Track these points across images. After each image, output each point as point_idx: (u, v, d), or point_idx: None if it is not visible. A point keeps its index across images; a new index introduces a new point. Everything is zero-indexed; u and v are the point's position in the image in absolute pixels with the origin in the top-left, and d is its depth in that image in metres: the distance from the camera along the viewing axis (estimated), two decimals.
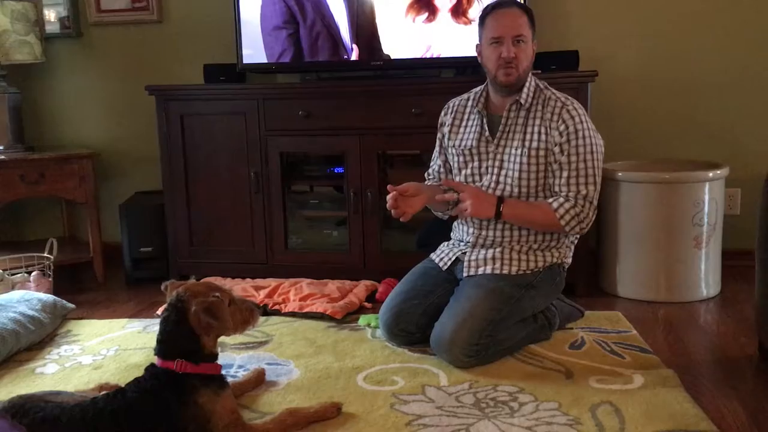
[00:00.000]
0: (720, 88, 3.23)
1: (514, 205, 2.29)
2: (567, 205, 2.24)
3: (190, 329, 1.67)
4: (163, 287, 1.80)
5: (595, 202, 2.28)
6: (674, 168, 2.90)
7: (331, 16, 3.07)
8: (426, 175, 2.60)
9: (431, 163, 2.59)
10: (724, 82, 3.22)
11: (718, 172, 2.81)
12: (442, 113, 2.53)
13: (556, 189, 2.28)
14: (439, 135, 2.54)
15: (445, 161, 2.53)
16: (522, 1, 2.63)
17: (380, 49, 3.09)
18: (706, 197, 2.77)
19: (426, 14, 3.02)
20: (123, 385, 1.71)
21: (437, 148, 2.56)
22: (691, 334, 2.48)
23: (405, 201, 2.30)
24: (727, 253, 2.95)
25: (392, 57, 3.09)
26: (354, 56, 3.12)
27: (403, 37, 3.06)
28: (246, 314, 1.80)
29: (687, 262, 2.79)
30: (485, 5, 2.41)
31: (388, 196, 2.28)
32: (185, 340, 1.67)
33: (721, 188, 2.84)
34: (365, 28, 3.09)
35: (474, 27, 2.42)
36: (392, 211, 2.31)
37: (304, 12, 3.08)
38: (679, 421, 1.76)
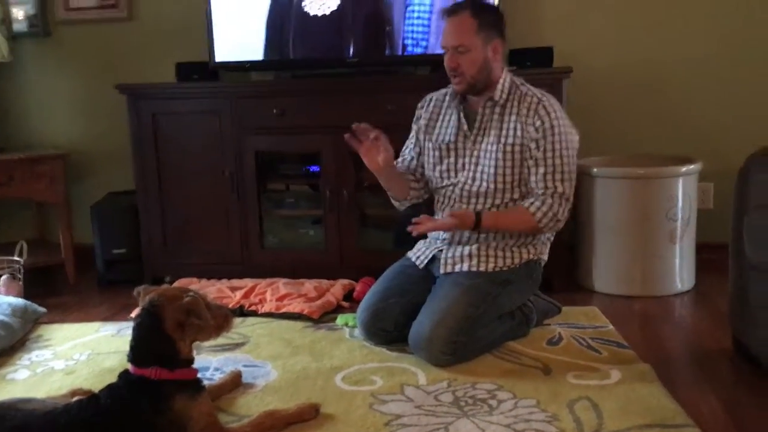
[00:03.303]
0: (693, 83, 3.25)
1: (491, 216, 2.28)
2: (544, 208, 2.23)
3: (165, 335, 1.64)
4: (135, 293, 1.76)
5: (571, 198, 2.28)
6: (648, 163, 2.93)
7: (314, 15, 3.05)
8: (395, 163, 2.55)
9: (403, 151, 2.53)
10: (697, 78, 3.25)
11: (691, 166, 2.83)
12: (420, 105, 2.51)
13: (532, 185, 2.28)
14: (414, 127, 2.52)
15: (420, 154, 2.50)
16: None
17: (355, 47, 3.07)
18: (680, 192, 2.79)
19: None
20: (96, 392, 1.67)
21: (413, 139, 2.52)
22: (667, 328, 2.50)
23: (374, 144, 2.29)
24: (700, 247, 2.98)
25: (367, 54, 3.07)
26: (329, 54, 3.10)
27: (378, 35, 3.05)
28: (220, 320, 1.77)
29: (662, 257, 2.82)
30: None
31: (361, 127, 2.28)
32: (160, 346, 1.64)
33: (694, 183, 2.87)
34: (344, 26, 3.06)
35: None
36: (360, 151, 2.32)
37: (290, 9, 3.05)
38: (656, 415, 1.78)
